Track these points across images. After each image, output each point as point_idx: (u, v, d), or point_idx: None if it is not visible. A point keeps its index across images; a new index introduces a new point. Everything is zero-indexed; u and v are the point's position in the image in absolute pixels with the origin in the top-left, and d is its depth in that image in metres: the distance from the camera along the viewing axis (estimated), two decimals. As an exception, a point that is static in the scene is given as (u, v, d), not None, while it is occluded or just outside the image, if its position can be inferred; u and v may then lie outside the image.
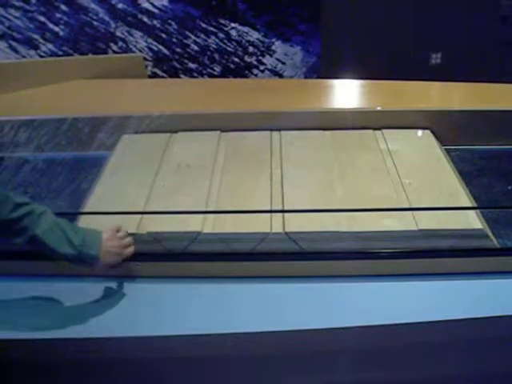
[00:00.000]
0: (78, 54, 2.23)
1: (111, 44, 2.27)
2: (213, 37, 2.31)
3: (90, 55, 2.21)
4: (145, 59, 1.98)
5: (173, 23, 2.28)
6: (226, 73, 2.34)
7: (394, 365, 0.57)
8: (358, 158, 0.79)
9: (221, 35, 2.31)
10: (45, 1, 2.15)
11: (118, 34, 2.26)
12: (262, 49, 2.33)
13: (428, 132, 0.86)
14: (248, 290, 0.60)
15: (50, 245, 0.53)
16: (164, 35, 2.29)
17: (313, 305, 0.58)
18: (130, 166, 0.80)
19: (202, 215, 0.65)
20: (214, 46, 2.31)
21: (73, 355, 0.56)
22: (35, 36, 2.21)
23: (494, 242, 0.63)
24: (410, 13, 2.01)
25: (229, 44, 2.32)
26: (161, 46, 2.30)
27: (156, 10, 2.27)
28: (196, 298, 0.60)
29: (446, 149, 0.83)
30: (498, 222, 0.66)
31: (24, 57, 2.21)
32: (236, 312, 0.58)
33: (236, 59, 2.34)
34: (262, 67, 2.34)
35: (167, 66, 2.31)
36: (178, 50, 2.30)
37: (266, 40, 2.32)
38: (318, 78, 2.26)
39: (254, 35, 2.31)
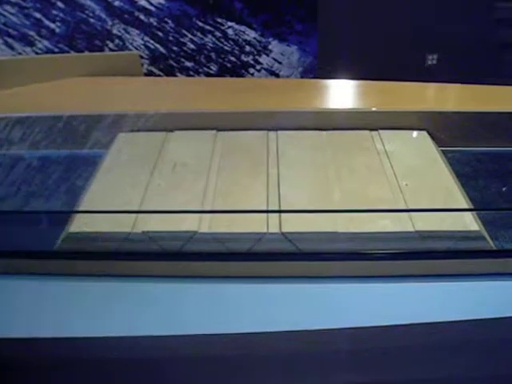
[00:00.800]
0: (74, 51, 2.22)
1: (108, 41, 2.26)
2: (209, 35, 2.30)
3: (86, 53, 2.20)
4: (141, 57, 1.97)
5: (169, 21, 2.27)
6: (222, 72, 2.34)
7: (391, 367, 0.57)
8: (354, 159, 0.79)
9: (217, 34, 2.31)
10: (41, -3, 2.14)
11: (115, 31, 2.25)
12: (259, 48, 2.33)
13: (425, 133, 0.86)
14: (244, 290, 0.60)
15: None
16: (160, 33, 2.28)
17: (309, 305, 0.58)
18: (126, 164, 0.79)
19: (198, 214, 0.65)
20: (210, 44, 2.31)
21: (67, 355, 0.56)
22: (31, 33, 2.20)
23: (491, 244, 0.63)
24: (406, 14, 2.02)
25: (225, 43, 2.32)
26: (157, 44, 2.29)
27: (153, 8, 2.26)
28: (191, 297, 0.59)
29: (442, 150, 0.83)
30: (494, 223, 0.66)
31: (20, 53, 2.19)
32: (232, 312, 0.57)
33: (233, 58, 2.34)
34: (258, 66, 2.34)
35: (163, 64, 2.31)
36: (175, 48, 2.30)
37: (263, 39, 2.32)
38: (315, 77, 2.26)
39: (251, 34, 2.31)
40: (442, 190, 0.71)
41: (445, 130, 0.87)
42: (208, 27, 2.26)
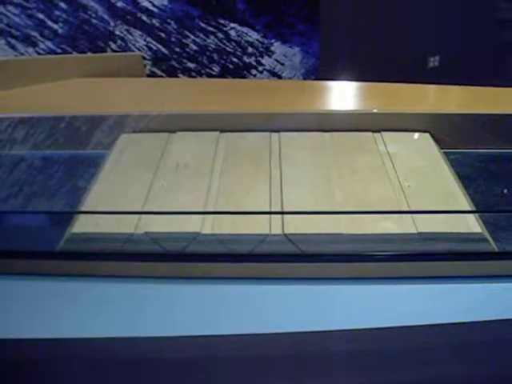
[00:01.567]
0: (77, 52, 2.22)
1: (110, 42, 2.26)
2: (212, 37, 2.30)
3: (89, 53, 2.21)
4: (143, 58, 1.98)
5: (172, 22, 2.27)
6: (224, 73, 2.34)
7: (394, 369, 0.56)
8: (357, 160, 0.79)
9: (220, 35, 2.31)
10: (44, -2, 2.15)
11: (117, 32, 2.26)
12: (261, 49, 2.33)
13: (427, 135, 0.86)
14: (247, 292, 0.60)
15: None
16: (163, 34, 2.28)
17: (312, 307, 0.58)
18: (128, 165, 0.79)
19: (200, 216, 0.65)
20: (212, 45, 2.31)
21: (67, 355, 0.56)
22: (34, 33, 2.21)
23: (493, 246, 0.63)
24: (408, 16, 2.02)
25: (228, 44, 2.32)
26: (160, 46, 2.30)
27: (155, 9, 2.26)
28: (194, 298, 0.59)
29: (445, 152, 0.83)
30: (497, 225, 0.66)
31: (22, 54, 2.20)
32: (235, 313, 0.57)
33: (235, 59, 2.34)
34: (260, 68, 2.34)
35: (166, 65, 2.31)
36: (177, 49, 2.30)
37: (265, 41, 2.32)
38: (317, 79, 2.26)
39: (253, 36, 2.31)
40: (444, 191, 0.71)
41: (447, 131, 0.87)
42: (210, 28, 2.26)
